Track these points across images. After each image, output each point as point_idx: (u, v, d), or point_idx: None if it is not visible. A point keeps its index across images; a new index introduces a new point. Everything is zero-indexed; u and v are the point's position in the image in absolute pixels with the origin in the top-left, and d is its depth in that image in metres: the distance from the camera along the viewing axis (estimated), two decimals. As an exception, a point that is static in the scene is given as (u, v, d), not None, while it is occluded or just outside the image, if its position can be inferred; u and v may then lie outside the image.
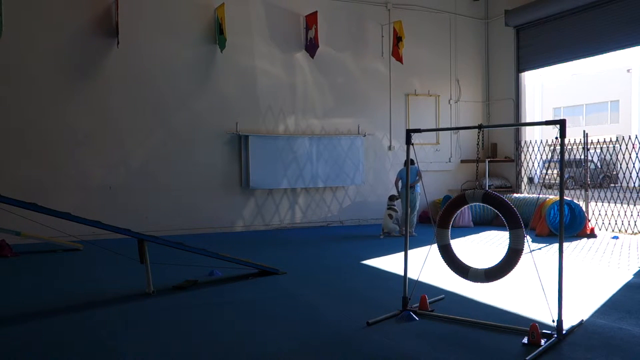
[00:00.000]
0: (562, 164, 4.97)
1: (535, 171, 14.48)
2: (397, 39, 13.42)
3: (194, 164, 12.18)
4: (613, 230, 11.92)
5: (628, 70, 34.33)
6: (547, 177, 17.14)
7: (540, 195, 13.00)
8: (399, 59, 13.53)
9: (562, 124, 4.88)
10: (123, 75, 11.61)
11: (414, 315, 5.52)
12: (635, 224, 11.61)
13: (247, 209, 12.79)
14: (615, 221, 11.97)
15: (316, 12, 12.78)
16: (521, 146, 14.71)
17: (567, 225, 11.32)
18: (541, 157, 14.03)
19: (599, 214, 12.26)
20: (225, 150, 12.50)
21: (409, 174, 6.31)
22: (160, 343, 4.95)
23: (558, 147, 5.01)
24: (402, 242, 6.00)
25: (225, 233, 12.23)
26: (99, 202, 11.23)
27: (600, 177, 22.76)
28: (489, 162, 14.73)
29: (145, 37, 11.78)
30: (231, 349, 4.77)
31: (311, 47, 12.94)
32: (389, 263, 8.47)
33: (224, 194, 12.52)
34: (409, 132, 5.90)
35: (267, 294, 6.75)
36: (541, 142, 13.97)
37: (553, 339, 4.75)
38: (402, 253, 6.01)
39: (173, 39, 12.02)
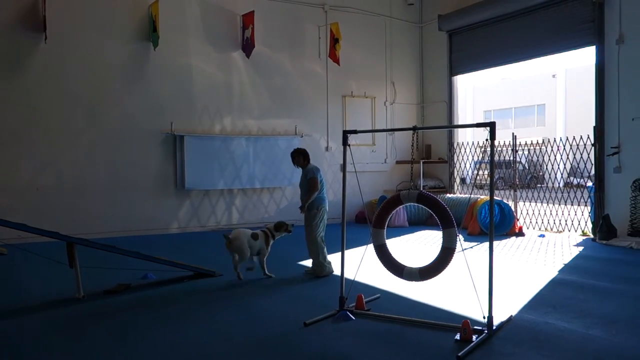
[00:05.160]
0: (492, 165, 5.13)
1: (467, 172, 14.91)
2: (334, 41, 13.50)
3: (128, 165, 11.83)
4: (540, 229, 12.40)
5: (553, 76, 35.94)
6: (478, 177, 17.64)
7: (472, 196, 13.34)
8: (336, 60, 13.62)
9: (492, 126, 5.03)
10: (51, 72, 11.15)
11: (350, 315, 5.56)
12: (560, 223, 12.12)
13: (182, 210, 12.54)
14: (542, 220, 12.49)
15: (253, 11, 12.66)
16: (454, 148, 15.07)
17: (497, 224, 11.65)
18: (473, 159, 14.44)
19: (527, 213, 12.74)
20: (160, 151, 12.22)
21: (345, 179, 6.30)
22: (89, 350, 4.78)
23: (488, 149, 5.17)
24: (339, 243, 6.02)
25: (160, 235, 11.93)
26: (25, 204, 10.74)
27: (528, 177, 23.70)
28: (423, 163, 15.02)
29: (75, 32, 11.34)
30: (165, 353, 4.67)
31: (247, 46, 12.81)
32: (326, 263, 8.50)
33: (159, 195, 12.23)
34: (346, 133, 5.95)
35: (202, 296, 6.65)
36: (473, 143, 14.38)
37: (484, 334, 4.89)
38: (339, 253, 6.05)
39: (105, 35, 11.63)
